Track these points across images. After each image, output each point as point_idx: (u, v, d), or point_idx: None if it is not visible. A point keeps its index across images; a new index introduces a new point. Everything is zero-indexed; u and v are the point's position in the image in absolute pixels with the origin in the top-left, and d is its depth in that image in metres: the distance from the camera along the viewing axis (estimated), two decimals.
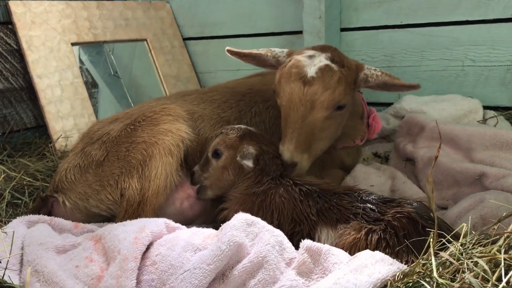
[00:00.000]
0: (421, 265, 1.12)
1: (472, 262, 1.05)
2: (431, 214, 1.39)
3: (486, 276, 0.97)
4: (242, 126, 1.80)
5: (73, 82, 2.84)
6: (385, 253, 1.26)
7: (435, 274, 1.03)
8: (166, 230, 1.48)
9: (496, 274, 0.97)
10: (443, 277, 1.05)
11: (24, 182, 2.15)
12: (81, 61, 3.28)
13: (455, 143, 2.14)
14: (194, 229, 1.48)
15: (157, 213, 1.75)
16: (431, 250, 1.11)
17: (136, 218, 1.67)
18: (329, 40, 2.75)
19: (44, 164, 2.38)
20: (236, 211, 1.50)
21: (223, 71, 3.41)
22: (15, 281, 1.33)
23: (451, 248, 1.11)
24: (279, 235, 1.35)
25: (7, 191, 2.02)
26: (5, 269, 1.28)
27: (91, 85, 3.34)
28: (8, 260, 1.32)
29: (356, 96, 2.05)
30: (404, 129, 2.38)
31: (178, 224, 1.55)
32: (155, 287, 1.28)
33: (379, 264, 1.18)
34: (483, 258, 1.05)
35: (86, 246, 1.49)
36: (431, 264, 1.10)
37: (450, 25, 2.59)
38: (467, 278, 0.99)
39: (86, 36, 3.00)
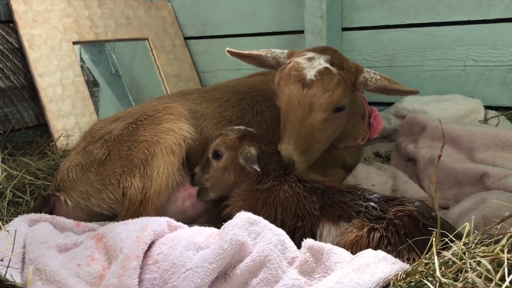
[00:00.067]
0: (423, 264, 1.12)
1: (475, 261, 1.05)
2: (433, 213, 1.39)
3: (490, 276, 0.97)
4: (242, 127, 1.81)
5: (74, 81, 2.84)
6: (387, 251, 1.27)
7: (438, 273, 1.03)
8: (168, 229, 1.48)
9: (499, 274, 0.97)
10: (445, 276, 1.05)
11: (26, 181, 2.15)
12: (82, 60, 3.29)
13: (457, 143, 2.14)
14: (196, 228, 1.48)
15: (159, 212, 1.75)
16: (434, 249, 1.11)
17: (138, 217, 1.67)
18: (330, 39, 2.75)
19: (45, 162, 2.38)
20: (240, 207, 1.51)
21: (224, 70, 3.41)
22: (17, 279, 1.33)
23: (454, 248, 1.11)
24: (281, 234, 1.35)
25: (9, 189, 2.02)
26: (7, 267, 1.28)
27: (92, 84, 3.34)
28: (10, 259, 1.31)
29: (357, 96, 2.05)
30: (406, 128, 2.38)
31: (180, 223, 1.55)
32: (157, 286, 1.28)
33: (381, 263, 1.18)
34: (486, 258, 1.05)
35: (87, 245, 1.49)
36: (433, 263, 1.11)
37: (452, 25, 2.58)
38: (470, 278, 0.99)
39: (87, 35, 3.00)
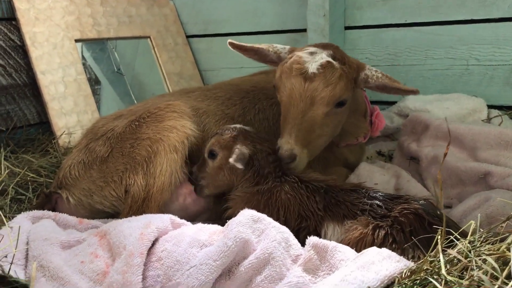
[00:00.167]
0: (428, 262, 1.12)
1: (480, 259, 1.05)
2: (438, 212, 1.39)
3: (496, 274, 0.97)
4: (238, 126, 1.80)
5: (77, 79, 2.84)
6: (392, 249, 1.26)
7: (443, 271, 1.03)
8: (171, 226, 1.48)
9: (505, 272, 0.97)
10: (451, 274, 1.05)
11: (28, 178, 2.15)
12: (83, 58, 3.28)
13: (460, 142, 2.13)
14: (199, 225, 1.48)
15: (162, 209, 1.75)
16: (439, 247, 1.10)
17: (140, 214, 1.66)
18: (333, 38, 2.74)
19: (47, 160, 2.38)
20: (241, 210, 1.49)
21: (226, 68, 3.40)
22: (21, 276, 1.33)
23: (460, 245, 1.11)
24: (285, 232, 1.35)
25: (11, 186, 2.02)
26: (11, 263, 1.27)
27: (94, 82, 3.34)
28: (14, 255, 1.31)
29: (358, 94, 2.05)
30: (408, 127, 2.38)
31: (183, 220, 1.55)
32: (160, 283, 1.28)
33: (386, 261, 1.18)
34: (492, 256, 1.04)
35: (91, 242, 1.48)
36: (438, 261, 1.10)
37: (455, 24, 2.58)
38: (476, 276, 0.98)
39: (89, 32, 3.00)
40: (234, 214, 1.47)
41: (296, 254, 1.31)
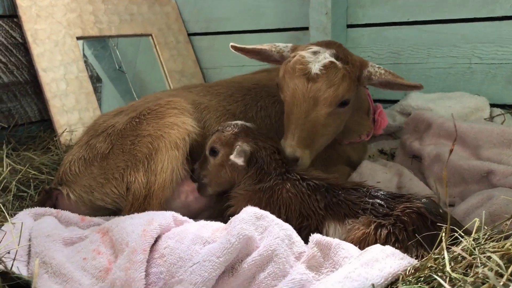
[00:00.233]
0: (433, 259, 1.11)
1: (485, 257, 1.04)
2: (440, 210, 1.38)
3: (500, 271, 0.96)
4: (239, 123, 1.78)
5: (78, 76, 2.83)
6: (395, 248, 1.26)
7: (448, 268, 1.03)
8: (173, 224, 1.48)
9: (510, 269, 0.96)
10: (455, 271, 1.04)
11: (30, 175, 2.14)
12: (84, 56, 3.28)
13: (462, 140, 2.13)
14: (202, 222, 1.47)
15: (163, 206, 1.74)
16: (444, 244, 1.10)
17: (142, 212, 1.66)
18: (335, 36, 2.74)
19: (49, 157, 2.37)
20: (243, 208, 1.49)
21: (228, 67, 3.40)
22: (23, 272, 1.32)
23: (464, 243, 1.11)
24: (288, 229, 1.35)
25: (13, 183, 2.01)
26: (14, 259, 1.27)
27: (95, 80, 3.33)
28: (16, 251, 1.31)
29: (361, 92, 2.04)
30: (411, 126, 2.37)
31: (185, 218, 1.54)
32: (163, 280, 1.27)
33: (390, 258, 1.18)
34: (496, 253, 1.04)
35: (93, 239, 1.48)
36: (443, 258, 1.10)
37: (457, 22, 2.57)
38: (481, 273, 0.98)
39: (91, 30, 2.99)
40: (236, 212, 1.46)
41: (299, 252, 1.31)
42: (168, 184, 1.74)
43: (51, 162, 2.33)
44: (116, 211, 1.83)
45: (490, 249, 1.07)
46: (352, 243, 1.34)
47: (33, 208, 1.68)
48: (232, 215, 1.58)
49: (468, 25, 2.54)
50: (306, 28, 2.87)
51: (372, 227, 1.35)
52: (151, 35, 3.30)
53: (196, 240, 1.33)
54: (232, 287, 1.23)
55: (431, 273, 1.07)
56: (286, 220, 1.50)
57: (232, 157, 1.64)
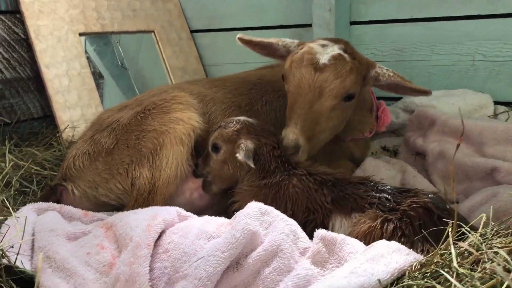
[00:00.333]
0: (439, 255, 1.11)
1: (492, 252, 1.04)
2: (447, 206, 1.38)
3: (508, 266, 0.96)
4: (241, 118, 1.77)
5: (81, 72, 2.83)
6: (401, 243, 1.25)
7: (455, 263, 1.02)
8: (177, 219, 1.47)
9: None
10: (462, 267, 1.04)
11: (32, 171, 2.14)
12: (86, 53, 3.27)
13: (467, 137, 2.12)
14: (206, 217, 1.47)
15: (167, 202, 1.74)
16: (450, 239, 1.09)
17: (146, 207, 1.65)
18: (338, 33, 2.73)
19: (51, 153, 2.37)
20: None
21: (231, 64, 3.39)
22: (27, 266, 1.32)
23: (471, 238, 1.10)
24: (293, 224, 1.34)
25: (15, 179, 2.01)
26: (17, 254, 1.27)
27: (98, 76, 3.32)
28: (20, 245, 1.31)
29: (365, 90, 2.03)
30: (415, 122, 2.37)
31: (189, 213, 1.54)
32: (168, 274, 1.27)
33: (395, 254, 1.17)
34: (504, 249, 1.03)
35: (97, 234, 1.47)
36: (449, 254, 1.09)
37: (461, 19, 2.56)
38: (488, 268, 0.97)
39: (94, 26, 2.98)
40: (241, 208, 1.46)
41: (304, 247, 1.30)
42: (173, 180, 1.74)
43: (54, 158, 2.32)
44: (119, 207, 1.82)
45: (498, 245, 1.06)
46: (358, 237, 1.34)
47: (36, 203, 1.68)
48: (237, 211, 1.57)
49: (472, 22, 2.53)
50: (309, 25, 2.86)
51: (379, 221, 1.35)
52: (153, 31, 3.30)
53: (201, 235, 1.32)
54: (237, 282, 1.23)
55: (437, 269, 1.07)
56: (292, 215, 1.51)
57: (239, 157, 1.63)
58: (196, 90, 1.98)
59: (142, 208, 1.65)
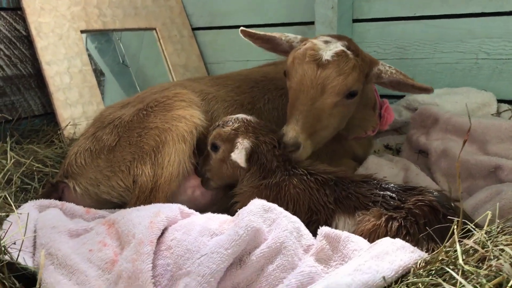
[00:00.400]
0: (444, 252, 1.10)
1: (498, 249, 1.03)
2: (452, 204, 1.37)
3: None
4: (240, 117, 1.74)
5: (82, 70, 2.82)
6: (405, 241, 1.24)
7: (460, 261, 1.01)
8: (180, 216, 1.47)
9: None
10: (468, 264, 1.03)
11: (34, 168, 2.13)
12: (87, 50, 3.25)
13: (470, 135, 2.11)
14: (209, 214, 1.46)
15: (170, 200, 1.73)
16: (456, 237, 1.08)
17: (148, 204, 1.65)
18: (341, 31, 2.72)
19: (53, 150, 2.36)
20: None
21: (232, 61, 3.38)
22: (29, 263, 1.31)
23: (477, 235, 1.09)
24: (296, 222, 1.33)
25: (17, 176, 2.00)
26: (20, 250, 1.26)
27: (99, 73, 3.31)
28: (22, 241, 1.30)
29: (369, 88, 2.02)
30: (418, 121, 2.36)
31: (192, 210, 1.53)
32: (170, 271, 1.26)
33: (400, 251, 1.16)
34: (510, 246, 1.02)
35: (99, 231, 1.47)
36: (454, 251, 1.08)
37: (465, 17, 2.55)
38: (494, 266, 0.96)
39: (95, 23, 2.97)
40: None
41: (308, 244, 1.29)
42: (175, 178, 1.73)
43: (55, 155, 2.31)
44: (121, 205, 1.82)
45: (503, 242, 1.05)
46: (362, 235, 1.33)
47: (38, 200, 1.67)
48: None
49: (476, 20, 2.52)
50: (312, 23, 2.85)
51: (383, 219, 1.33)
52: (155, 29, 3.29)
53: (204, 232, 1.31)
54: (240, 279, 1.22)
55: (442, 266, 1.06)
56: (294, 216, 1.49)
57: (233, 156, 1.61)
58: (198, 88, 1.97)
59: (144, 205, 1.64)
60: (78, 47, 2.84)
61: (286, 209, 1.51)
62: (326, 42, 1.76)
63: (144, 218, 1.38)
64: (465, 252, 1.09)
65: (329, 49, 1.71)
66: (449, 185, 1.94)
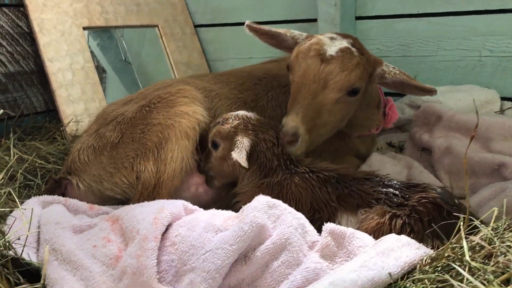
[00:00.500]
0: (450, 249, 1.10)
1: (505, 246, 1.02)
2: (456, 201, 1.37)
3: None
4: (240, 113, 1.73)
5: (84, 67, 2.81)
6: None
7: (467, 257, 1.01)
8: (184, 212, 1.46)
9: None
10: (474, 260, 1.03)
11: (36, 164, 2.13)
12: (89, 47, 3.24)
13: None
14: (213, 210, 1.46)
15: (173, 196, 1.73)
16: (462, 233, 1.08)
17: (151, 201, 1.65)
18: (344, 28, 2.71)
19: (55, 147, 2.36)
20: None
21: (235, 58, 3.37)
22: (33, 259, 1.31)
23: (484, 231, 1.09)
24: (301, 218, 1.33)
25: (20, 172, 2.00)
26: (24, 246, 1.26)
27: (101, 70, 3.31)
28: (27, 237, 1.30)
29: (373, 88, 2.01)
30: (421, 118, 2.35)
31: (195, 207, 1.53)
32: (175, 267, 1.26)
33: (405, 247, 1.16)
34: None
35: (103, 227, 1.47)
36: (460, 248, 1.08)
37: (468, 15, 2.54)
38: (501, 263, 0.96)
39: (97, 20, 2.97)
40: None
41: (313, 241, 1.29)
42: (178, 174, 1.72)
43: (58, 151, 2.31)
44: (124, 201, 1.81)
45: (510, 239, 1.05)
46: (366, 232, 1.32)
47: (41, 196, 1.67)
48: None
49: (479, 17, 2.51)
50: (315, 20, 2.84)
51: (387, 217, 1.32)
52: (157, 26, 3.28)
53: (208, 228, 1.31)
54: (245, 275, 1.22)
55: (449, 263, 1.05)
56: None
57: (234, 156, 1.59)
58: (201, 85, 1.96)
59: (147, 201, 1.64)
60: (80, 44, 2.83)
61: None
62: (331, 38, 1.76)
63: (148, 214, 1.38)
64: (471, 248, 1.09)
65: (334, 45, 1.71)
66: (451, 183, 1.94)
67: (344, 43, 1.72)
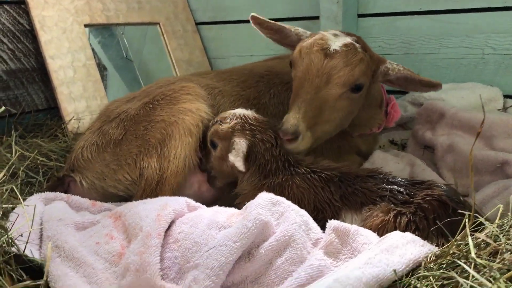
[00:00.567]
0: (455, 246, 1.09)
1: (510, 243, 1.02)
2: (461, 198, 1.36)
3: None
4: (237, 112, 1.70)
5: (86, 64, 2.81)
6: None
7: (473, 254, 1.00)
8: (187, 209, 1.46)
9: None
10: (480, 257, 1.02)
11: (38, 162, 2.12)
12: (90, 45, 3.23)
13: (476, 130, 2.10)
14: (216, 208, 1.45)
15: (176, 193, 1.72)
16: (467, 230, 1.08)
17: (154, 197, 1.64)
18: (346, 26, 2.70)
19: (57, 144, 2.35)
20: None
21: (236, 56, 3.37)
22: (36, 256, 1.31)
23: (490, 228, 1.08)
24: (304, 215, 1.33)
25: (22, 169, 1.99)
26: (27, 242, 1.25)
27: (103, 68, 3.30)
28: (30, 233, 1.29)
29: (376, 87, 2.00)
30: (423, 116, 2.34)
31: (198, 204, 1.52)
32: (178, 264, 1.25)
33: (410, 245, 1.15)
34: None
35: (105, 224, 1.46)
36: (465, 245, 1.08)
37: (471, 12, 2.53)
38: (507, 259, 0.96)
39: (99, 18, 2.96)
40: None
41: (316, 238, 1.29)
42: (181, 171, 1.72)
43: (59, 149, 2.31)
44: (127, 198, 1.81)
45: None
46: (370, 230, 1.31)
47: (43, 193, 1.67)
48: None
49: (482, 15, 2.50)
50: (317, 17, 2.83)
51: (392, 214, 1.31)
52: (158, 23, 3.27)
53: (212, 225, 1.30)
54: (249, 272, 1.21)
55: (454, 260, 1.05)
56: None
57: (231, 159, 1.57)
58: (204, 82, 1.96)
59: (150, 198, 1.63)
60: (81, 41, 2.83)
61: None
62: (335, 35, 1.75)
63: (151, 211, 1.38)
64: (476, 245, 1.08)
65: (338, 40, 1.70)
66: (455, 180, 1.93)
67: (347, 39, 1.72)
